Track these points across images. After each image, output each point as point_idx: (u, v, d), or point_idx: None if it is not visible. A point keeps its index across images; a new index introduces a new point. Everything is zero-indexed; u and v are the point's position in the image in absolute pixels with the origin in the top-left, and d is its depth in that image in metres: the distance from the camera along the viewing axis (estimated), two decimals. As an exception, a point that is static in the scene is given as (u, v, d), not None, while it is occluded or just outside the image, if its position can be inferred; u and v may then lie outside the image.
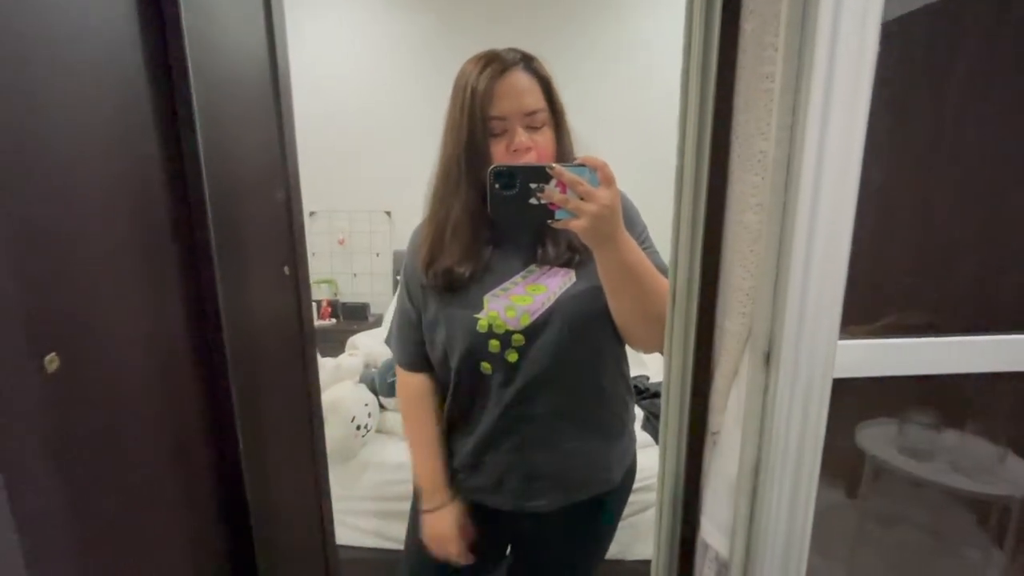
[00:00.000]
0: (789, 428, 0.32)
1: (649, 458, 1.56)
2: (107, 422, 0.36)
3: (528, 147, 0.77)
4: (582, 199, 0.66)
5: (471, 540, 0.92)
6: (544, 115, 0.79)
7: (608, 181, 0.67)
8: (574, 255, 0.84)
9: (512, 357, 0.82)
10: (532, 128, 0.78)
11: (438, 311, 0.87)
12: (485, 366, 0.84)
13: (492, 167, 0.67)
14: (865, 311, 0.33)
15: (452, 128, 0.80)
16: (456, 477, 0.92)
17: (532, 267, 0.85)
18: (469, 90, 0.77)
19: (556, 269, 0.83)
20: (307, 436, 0.60)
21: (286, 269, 0.55)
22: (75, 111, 0.36)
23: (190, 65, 0.41)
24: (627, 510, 1.52)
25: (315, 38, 3.06)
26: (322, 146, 3.03)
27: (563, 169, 0.66)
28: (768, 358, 0.32)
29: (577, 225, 0.67)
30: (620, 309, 0.78)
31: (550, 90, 0.81)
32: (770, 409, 0.32)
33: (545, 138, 0.79)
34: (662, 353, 0.81)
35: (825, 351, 0.31)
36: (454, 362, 0.86)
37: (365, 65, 3.12)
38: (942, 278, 0.42)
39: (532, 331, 0.80)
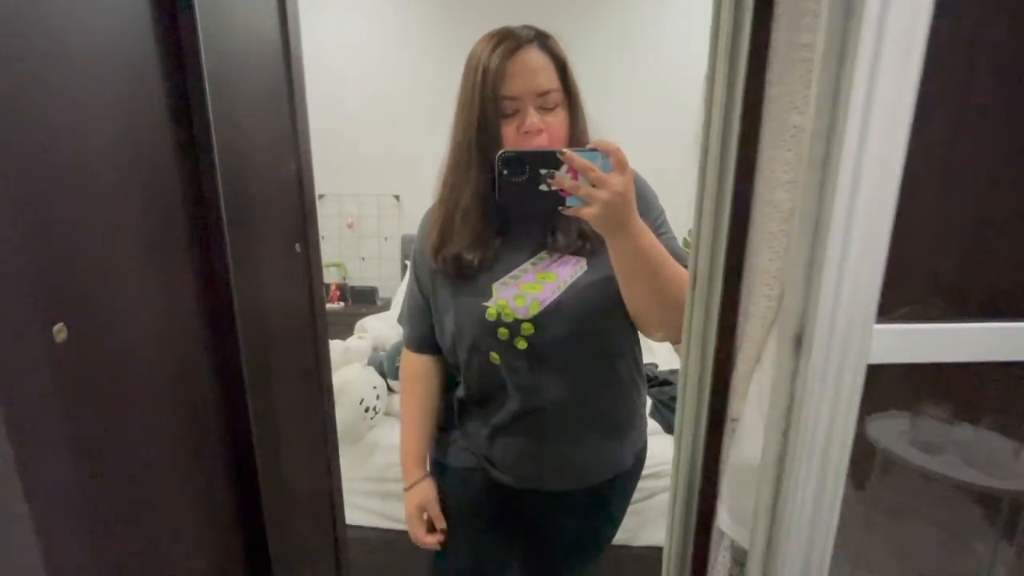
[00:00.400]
0: (818, 416, 0.31)
1: (658, 445, 1.56)
2: (116, 398, 0.36)
3: (540, 129, 0.74)
4: (594, 185, 0.63)
5: (440, 526, 0.94)
6: (558, 96, 0.76)
7: (621, 167, 0.64)
8: (585, 243, 0.82)
9: (521, 345, 0.80)
10: (545, 109, 0.76)
11: (447, 298, 0.86)
12: (494, 356, 0.82)
13: (500, 152, 0.65)
14: (904, 293, 0.31)
15: (463, 109, 0.77)
16: (474, 456, 0.92)
17: (542, 255, 0.83)
18: (481, 69, 0.74)
19: (567, 257, 0.82)
20: (318, 415, 0.59)
21: (297, 247, 0.54)
22: (86, 88, 0.35)
23: (201, 39, 0.40)
24: (636, 495, 1.52)
25: (324, 20, 3.02)
26: (331, 129, 3.01)
27: (574, 154, 0.63)
28: (799, 341, 0.31)
29: (588, 213, 0.65)
30: (633, 297, 0.76)
31: (565, 70, 0.78)
32: (799, 395, 0.31)
33: (558, 120, 0.77)
34: (675, 342, 0.80)
35: (860, 335, 0.29)
36: (463, 350, 0.86)
37: (375, 47, 3.09)
38: (991, 260, 0.40)
39: (542, 320, 0.79)
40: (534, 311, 0.78)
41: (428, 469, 0.97)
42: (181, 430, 0.40)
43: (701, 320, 0.48)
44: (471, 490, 0.94)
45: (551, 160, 0.64)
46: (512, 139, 0.74)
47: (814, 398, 0.30)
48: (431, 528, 0.95)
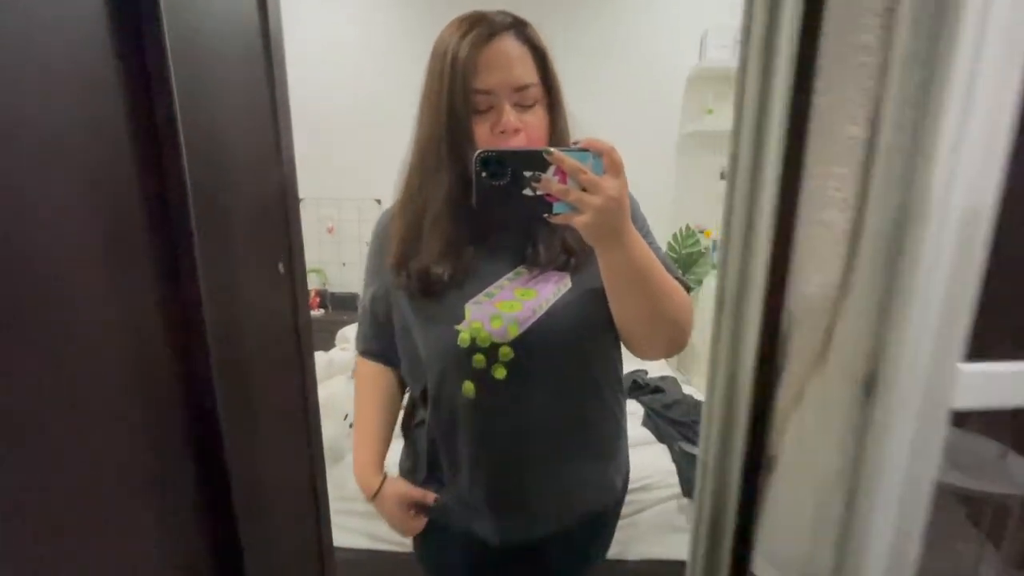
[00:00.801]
0: (893, 470, 0.27)
1: (650, 455, 1.53)
2: (60, 425, 0.30)
3: (517, 128, 0.65)
4: (585, 190, 0.56)
5: (428, 500, 0.81)
6: (537, 91, 0.67)
7: (615, 169, 0.57)
8: (569, 257, 0.73)
9: (500, 373, 0.70)
10: (522, 106, 0.67)
11: (409, 320, 0.76)
12: (468, 387, 0.71)
13: (478, 152, 0.57)
14: (994, 328, 0.28)
15: (429, 103, 0.68)
16: (452, 509, 0.80)
17: (521, 269, 0.73)
18: (450, 57, 0.65)
19: (549, 273, 0.73)
20: (303, 446, 0.53)
21: (281, 266, 0.48)
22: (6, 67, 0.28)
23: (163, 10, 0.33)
24: (627, 509, 1.49)
25: (303, 19, 2.93)
26: (309, 130, 2.92)
27: (563, 155, 0.56)
28: (869, 386, 0.27)
29: (579, 220, 0.57)
30: (625, 314, 0.68)
31: (545, 62, 0.69)
32: (870, 448, 0.27)
33: (537, 119, 0.68)
34: (667, 357, 0.75)
35: (943, 377, 0.26)
36: (431, 382, 0.75)
37: (354, 46, 3.01)
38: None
39: (522, 344, 0.69)
40: (513, 333, 0.69)
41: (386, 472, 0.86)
42: (144, 480, 0.34)
43: (728, 345, 0.44)
44: (452, 556, 0.83)
45: (536, 161, 0.57)
46: (485, 138, 0.66)
47: (889, 451, 0.27)
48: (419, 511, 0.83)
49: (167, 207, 0.35)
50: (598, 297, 0.70)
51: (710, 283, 2.88)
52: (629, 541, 1.48)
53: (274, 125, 0.47)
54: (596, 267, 0.69)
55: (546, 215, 0.59)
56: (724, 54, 2.71)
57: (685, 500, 1.48)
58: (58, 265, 0.29)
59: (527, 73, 0.66)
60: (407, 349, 0.78)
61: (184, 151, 0.36)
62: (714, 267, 3.00)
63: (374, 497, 0.82)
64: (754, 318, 0.41)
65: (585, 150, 0.57)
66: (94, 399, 0.31)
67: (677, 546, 1.49)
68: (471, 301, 0.70)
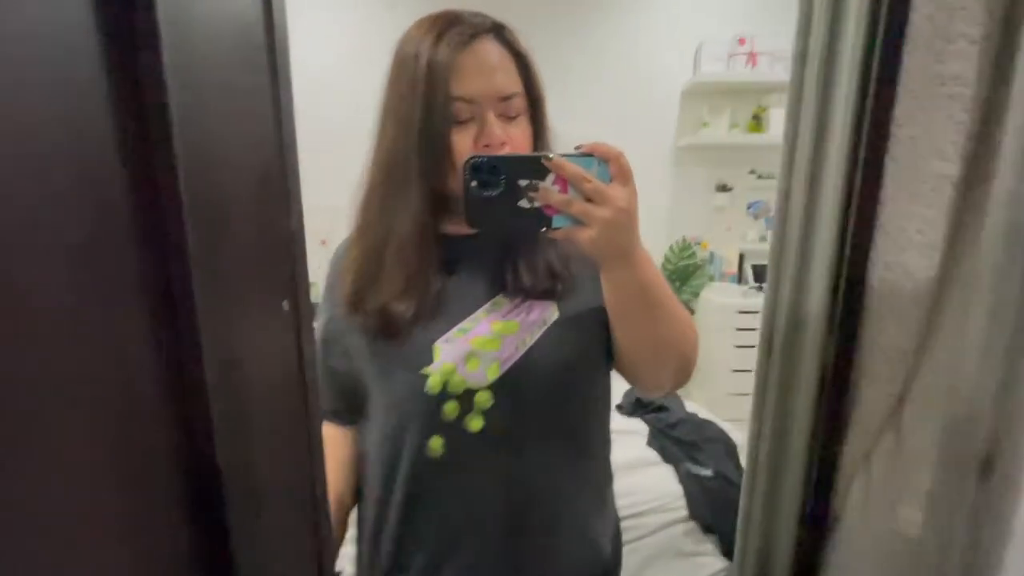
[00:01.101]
0: (1012, 556, 0.24)
1: (656, 476, 1.50)
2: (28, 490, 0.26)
3: (503, 142, 0.58)
4: (590, 200, 0.49)
5: None
6: (521, 102, 0.61)
7: (624, 176, 0.50)
8: (556, 282, 0.63)
9: (475, 425, 0.59)
10: (506, 117, 0.60)
11: (366, 366, 0.64)
12: (435, 443, 0.59)
13: (469, 158, 0.51)
14: None
15: (397, 112, 0.60)
16: None
17: (499, 299, 0.63)
18: (424, 60, 0.57)
19: (532, 302, 0.63)
20: (307, 495, 0.48)
21: (285, 304, 0.44)
22: None
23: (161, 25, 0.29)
24: (632, 534, 1.45)
25: (299, 26, 2.89)
26: (300, 138, 2.87)
27: (564, 161, 0.49)
28: (988, 466, 0.24)
29: (584, 236, 0.50)
30: (632, 342, 0.60)
31: (528, 70, 0.62)
32: (987, 529, 0.24)
33: (522, 131, 0.61)
34: (670, 391, 0.65)
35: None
36: (387, 439, 0.63)
37: (347, 52, 2.98)
38: None
39: (504, 387, 0.58)
40: (492, 376, 0.58)
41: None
42: (139, 540, 0.29)
43: (776, 393, 0.41)
44: None
45: (534, 168, 0.50)
46: (466, 153, 0.58)
47: (1010, 536, 0.23)
48: None
49: (161, 233, 0.31)
50: (591, 326, 0.62)
51: (707, 296, 2.86)
52: (634, 568, 1.44)
53: (279, 149, 0.43)
54: (586, 291, 0.63)
55: (544, 230, 0.52)
56: (718, 67, 2.72)
57: (691, 524, 1.45)
58: (31, 292, 0.25)
59: (511, 81, 0.60)
60: (362, 403, 0.66)
61: (182, 178, 0.31)
62: (711, 279, 2.99)
63: None
64: (810, 367, 0.38)
65: (589, 155, 0.50)
66: (73, 460, 0.27)
67: (683, 572, 1.45)
68: (441, 339, 0.60)
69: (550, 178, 0.50)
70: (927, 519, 0.29)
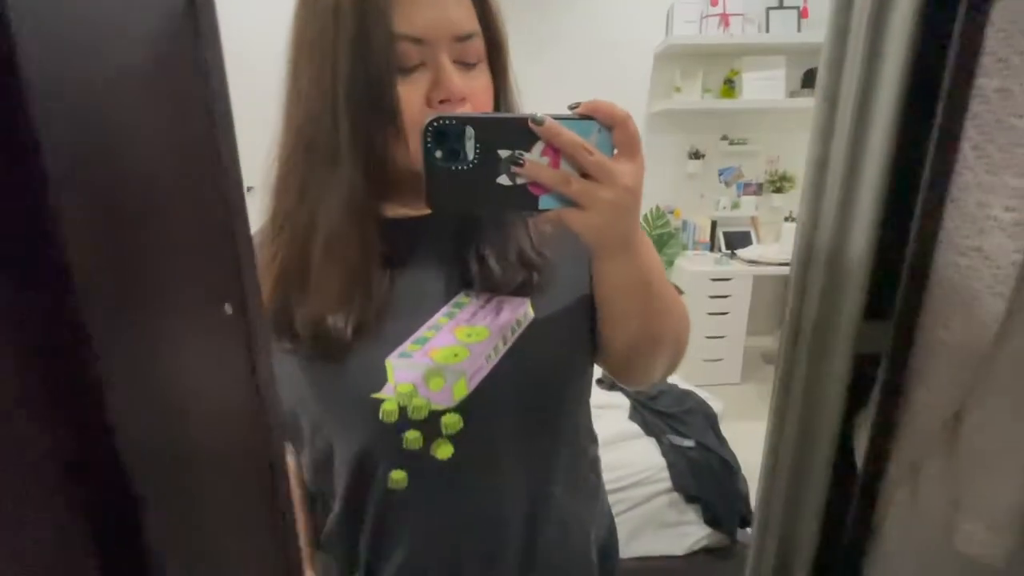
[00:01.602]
0: None
1: (640, 449, 1.49)
2: None
3: (463, 96, 0.46)
4: (589, 176, 0.39)
5: None
6: (480, 44, 0.48)
7: (632, 147, 0.40)
8: (531, 272, 0.52)
9: (444, 452, 0.49)
10: (464, 65, 0.47)
11: (302, 391, 0.52)
12: (397, 477, 0.49)
13: (431, 120, 0.39)
14: None
15: (315, 59, 0.45)
16: None
17: (462, 299, 0.52)
18: None
19: (502, 299, 0.52)
20: (272, 548, 0.41)
21: (228, 307, 0.36)
22: None
23: None
24: (618, 507, 1.45)
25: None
26: (257, 113, 2.68)
27: (558, 125, 0.38)
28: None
29: (580, 220, 0.40)
30: (624, 339, 0.51)
31: (485, 8, 0.48)
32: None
33: (483, 84, 0.49)
34: (660, 381, 0.59)
35: None
36: (340, 475, 0.52)
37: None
38: None
39: (475, 406, 0.48)
40: (460, 394, 0.48)
41: None
42: None
43: (801, 389, 0.36)
44: None
45: (517, 134, 0.39)
46: (415, 111, 0.46)
47: None
48: None
49: (29, 249, 0.22)
50: (573, 322, 0.53)
51: (680, 264, 2.86)
52: (626, 538, 1.44)
53: (209, 127, 0.34)
54: (564, 280, 0.54)
55: (527, 211, 0.43)
56: (691, 29, 2.64)
57: (675, 495, 1.45)
58: None
59: (467, 17, 0.46)
60: (301, 437, 0.55)
61: (52, 175, 0.23)
62: (684, 248, 2.99)
63: None
64: (842, 358, 0.33)
65: (588, 118, 0.39)
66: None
67: (668, 542, 1.46)
68: (394, 355, 0.48)
69: (538, 147, 0.40)
70: (1003, 538, 0.25)
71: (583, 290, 0.53)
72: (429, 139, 0.39)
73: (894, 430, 0.30)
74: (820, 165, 0.32)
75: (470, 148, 0.40)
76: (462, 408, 0.48)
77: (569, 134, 0.39)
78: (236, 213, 0.38)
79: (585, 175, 0.39)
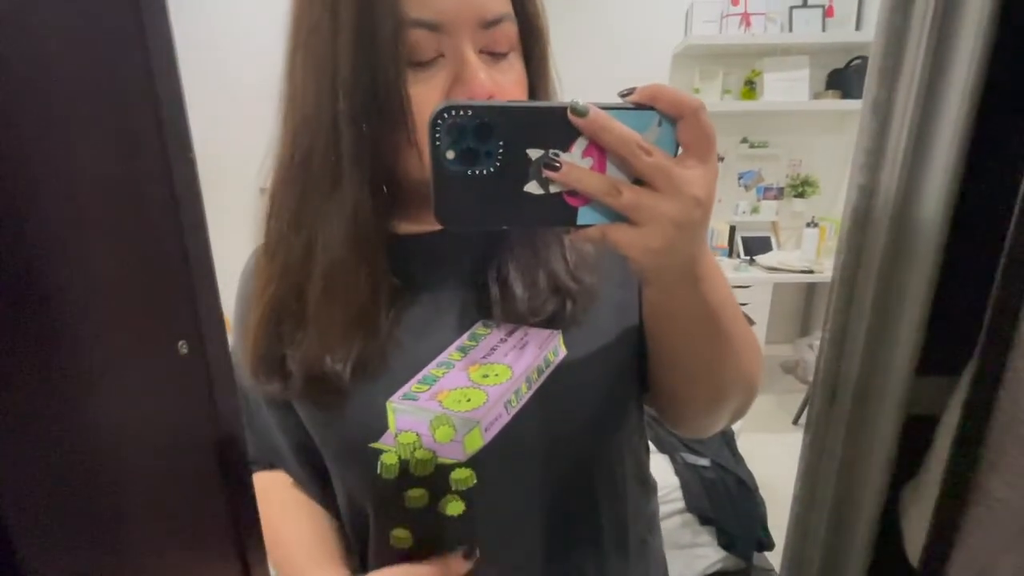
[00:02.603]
0: None
1: (654, 469, 1.43)
2: None
3: (489, 95, 0.38)
4: (645, 183, 0.31)
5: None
6: (512, 31, 0.40)
7: (704, 146, 0.31)
8: (564, 302, 0.44)
9: (454, 509, 0.41)
10: (493, 55, 0.39)
11: (307, 420, 0.47)
12: (399, 535, 0.42)
13: (441, 107, 0.31)
14: None
15: (314, 54, 0.38)
16: None
17: (479, 329, 0.44)
18: None
19: (529, 331, 0.44)
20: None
21: (182, 346, 0.32)
22: None
23: None
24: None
25: (254, -12, 2.65)
26: (272, 112, 2.67)
27: (606, 116, 0.30)
28: None
29: (632, 242, 0.32)
30: (681, 382, 0.43)
31: None
32: None
33: (514, 78, 0.40)
34: (722, 428, 0.49)
35: None
36: (346, 511, 0.49)
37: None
38: None
39: (491, 462, 0.40)
40: (473, 447, 0.40)
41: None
42: None
43: (851, 400, 0.31)
44: None
45: (552, 128, 0.31)
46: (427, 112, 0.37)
47: None
48: None
49: None
50: (615, 362, 0.45)
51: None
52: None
53: (157, 127, 0.30)
54: (605, 310, 0.45)
55: (563, 229, 0.35)
56: (711, 29, 2.56)
57: (688, 515, 1.39)
58: None
59: (497, 1, 0.38)
60: (311, 464, 0.50)
61: None
62: (701, 253, 2.91)
63: None
64: (888, 420, 0.28)
65: (646, 108, 0.31)
66: None
67: (681, 565, 1.40)
68: (396, 396, 0.41)
69: (578, 145, 0.31)
70: None
71: (630, 320, 0.45)
72: (438, 136, 0.31)
73: (959, 526, 0.24)
74: (867, 193, 0.27)
75: (491, 147, 0.31)
76: (476, 462, 0.40)
77: (620, 128, 0.30)
78: (194, 238, 0.34)
79: (640, 182, 0.31)
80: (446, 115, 0.31)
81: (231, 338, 0.53)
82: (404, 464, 0.40)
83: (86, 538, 0.26)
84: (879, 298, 0.27)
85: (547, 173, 0.31)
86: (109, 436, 0.27)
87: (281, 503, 0.51)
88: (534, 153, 0.31)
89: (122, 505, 0.27)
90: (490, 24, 0.38)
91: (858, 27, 2.53)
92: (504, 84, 0.39)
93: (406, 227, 0.46)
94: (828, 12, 2.55)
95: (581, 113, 0.30)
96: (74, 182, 0.26)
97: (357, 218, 0.40)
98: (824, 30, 2.54)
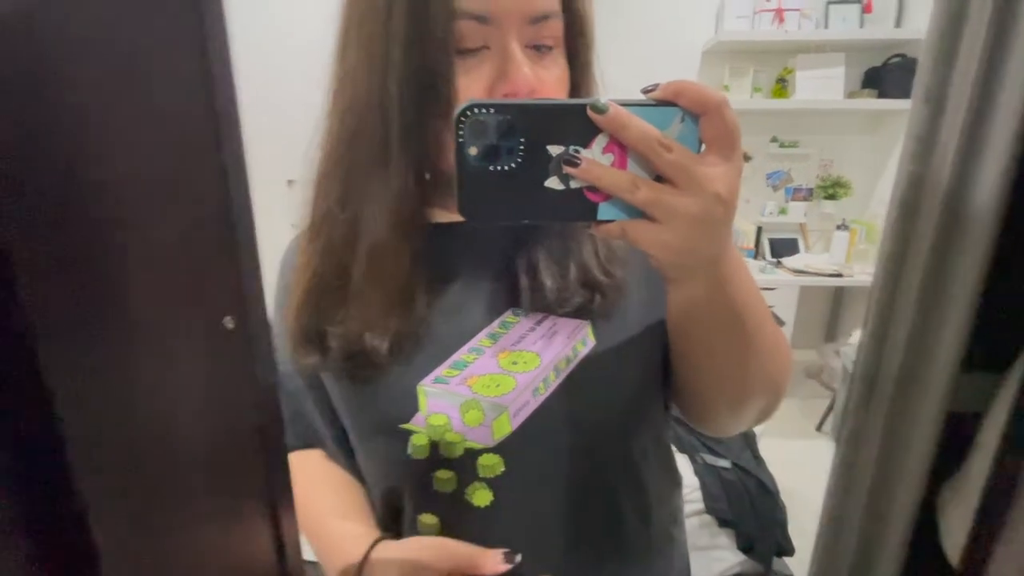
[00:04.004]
0: None
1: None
2: None
3: (531, 89, 0.39)
4: (667, 180, 0.31)
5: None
6: (559, 27, 0.41)
7: (728, 143, 0.31)
8: (593, 294, 0.44)
9: (482, 499, 0.42)
10: (537, 50, 0.40)
11: (340, 408, 0.48)
12: (427, 521, 0.44)
13: (464, 107, 0.32)
14: None
15: (367, 39, 0.39)
16: None
17: (510, 317, 0.45)
18: None
19: (558, 321, 0.45)
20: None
21: (228, 321, 0.34)
22: None
23: None
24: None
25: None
26: (301, 105, 2.72)
27: (626, 113, 0.31)
28: None
29: (653, 239, 0.32)
30: (704, 380, 0.43)
31: None
32: None
33: (557, 75, 0.41)
34: (747, 429, 0.50)
35: None
36: (377, 493, 0.49)
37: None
38: None
39: (519, 448, 0.42)
40: (501, 433, 0.41)
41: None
42: None
43: (893, 386, 0.31)
44: None
45: (572, 125, 0.32)
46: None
47: None
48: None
49: None
50: (643, 355, 0.45)
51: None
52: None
53: (211, 110, 0.31)
54: (635, 303, 0.45)
55: (583, 223, 0.35)
56: (743, 25, 2.52)
57: (707, 517, 1.38)
58: None
59: None
60: (347, 438, 0.51)
61: None
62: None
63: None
64: (930, 418, 0.28)
65: (669, 104, 0.31)
66: None
67: (698, 567, 1.39)
68: (428, 380, 0.42)
69: (599, 141, 0.31)
70: None
71: (659, 315, 0.45)
72: (462, 132, 0.32)
73: (1004, 523, 0.24)
74: (915, 185, 0.26)
75: (512, 143, 0.32)
76: (503, 448, 0.41)
77: (639, 124, 0.30)
78: (242, 220, 0.36)
79: (663, 179, 0.31)
80: (469, 113, 0.32)
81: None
82: (434, 446, 0.42)
83: (139, 487, 0.28)
84: (925, 290, 0.26)
85: (567, 169, 0.32)
86: (161, 396, 0.28)
87: (314, 475, 0.53)
88: (554, 149, 0.32)
89: (170, 459, 0.28)
90: (537, 20, 0.39)
91: (898, 23, 2.46)
92: (546, 80, 0.40)
93: (443, 215, 0.47)
94: (866, 8, 2.47)
95: (600, 110, 0.31)
96: (136, 156, 0.27)
97: (401, 202, 0.41)
98: (862, 26, 2.48)
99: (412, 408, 0.42)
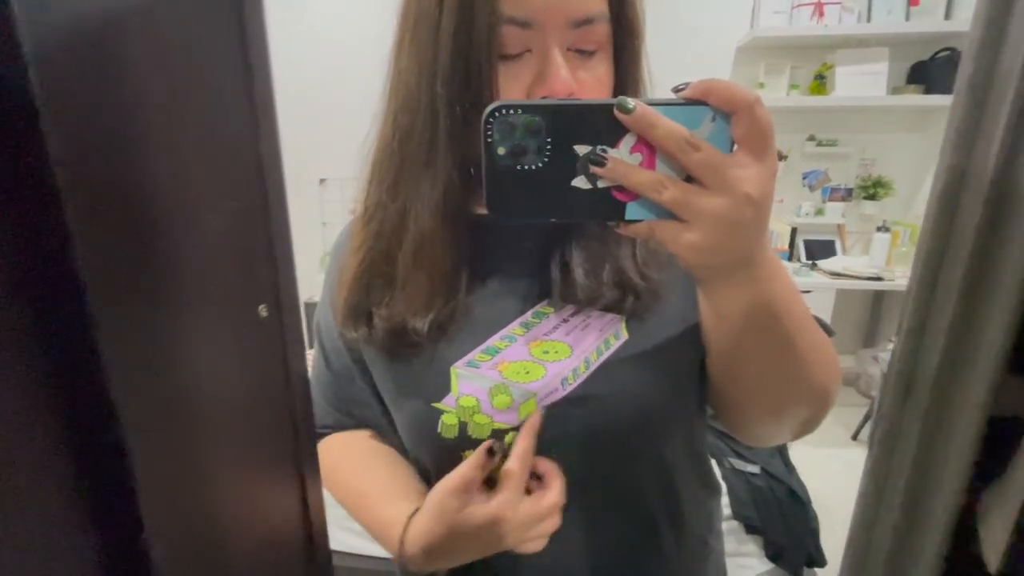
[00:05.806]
0: None
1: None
2: None
3: (569, 91, 0.40)
4: (695, 180, 0.31)
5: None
6: (604, 30, 0.41)
7: (760, 142, 0.31)
8: (625, 293, 0.45)
9: None
10: (581, 53, 0.41)
11: (382, 377, 0.50)
12: None
13: (492, 108, 0.33)
14: None
15: (420, 41, 0.42)
16: None
17: (544, 307, 0.46)
18: None
19: (591, 314, 0.45)
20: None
21: (263, 309, 0.35)
22: None
23: None
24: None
25: (322, -15, 2.76)
26: (332, 107, 2.78)
27: (654, 113, 0.31)
28: None
29: (681, 239, 0.32)
30: (741, 388, 0.43)
31: None
32: None
33: (599, 76, 0.42)
34: (790, 440, 0.48)
35: None
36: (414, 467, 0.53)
37: (379, 14, 2.84)
38: None
39: (545, 435, 0.42)
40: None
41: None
42: None
43: (930, 390, 0.30)
44: None
45: (600, 124, 0.32)
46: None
47: None
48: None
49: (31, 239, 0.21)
50: (675, 359, 0.45)
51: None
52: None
53: (248, 109, 0.33)
54: (671, 303, 0.45)
55: (612, 223, 0.34)
56: (780, 20, 2.45)
57: (734, 523, 1.35)
58: None
59: (591, 1, 0.40)
60: (389, 415, 0.53)
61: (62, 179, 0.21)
62: (758, 255, 2.79)
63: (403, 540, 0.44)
64: (971, 420, 0.27)
65: (699, 103, 0.31)
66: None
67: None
68: (461, 362, 0.44)
69: (627, 141, 0.32)
70: None
71: (695, 316, 0.44)
72: (490, 132, 0.33)
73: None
74: (957, 178, 0.25)
75: (540, 143, 0.32)
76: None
77: (667, 124, 0.30)
78: (276, 214, 0.37)
79: (692, 179, 0.31)
80: (497, 113, 0.33)
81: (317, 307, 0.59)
82: (463, 424, 0.44)
83: (181, 452, 0.29)
84: (966, 287, 0.25)
85: (594, 169, 0.33)
86: (201, 372, 0.30)
87: (363, 451, 0.55)
88: (582, 149, 0.33)
89: (208, 427, 0.30)
90: (580, 24, 0.40)
91: (948, 15, 2.34)
92: (587, 82, 0.41)
93: (485, 209, 0.48)
94: (912, 0, 2.37)
95: (627, 109, 0.31)
96: (184, 156, 0.29)
97: (446, 195, 0.44)
98: (908, 19, 2.37)
99: (445, 388, 0.44)
